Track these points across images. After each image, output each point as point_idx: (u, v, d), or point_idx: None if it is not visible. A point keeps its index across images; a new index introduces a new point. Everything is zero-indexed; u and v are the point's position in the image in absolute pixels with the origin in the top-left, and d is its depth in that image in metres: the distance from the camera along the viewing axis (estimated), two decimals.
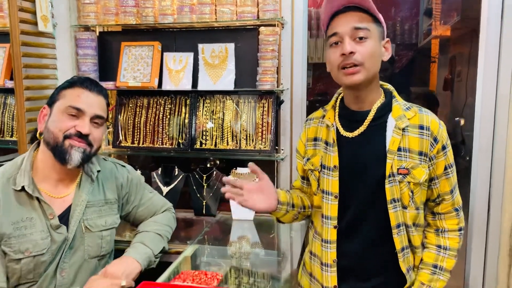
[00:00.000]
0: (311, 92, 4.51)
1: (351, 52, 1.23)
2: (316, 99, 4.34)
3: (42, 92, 2.21)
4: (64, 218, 1.45)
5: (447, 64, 4.16)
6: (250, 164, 1.39)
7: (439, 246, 1.39)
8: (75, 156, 1.41)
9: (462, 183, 2.16)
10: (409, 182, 1.30)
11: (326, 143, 1.39)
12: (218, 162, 2.51)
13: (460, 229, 1.40)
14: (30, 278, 1.40)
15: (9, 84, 2.29)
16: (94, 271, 1.51)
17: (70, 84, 1.49)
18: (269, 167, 2.25)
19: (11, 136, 2.42)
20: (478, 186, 2.05)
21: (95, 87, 1.49)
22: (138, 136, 2.31)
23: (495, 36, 1.96)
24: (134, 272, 1.47)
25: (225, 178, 1.38)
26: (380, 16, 1.28)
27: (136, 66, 2.25)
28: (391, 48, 1.32)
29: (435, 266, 1.37)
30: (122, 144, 2.31)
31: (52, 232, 1.41)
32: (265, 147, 2.19)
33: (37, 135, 1.49)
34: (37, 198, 1.41)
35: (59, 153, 1.41)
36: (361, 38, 1.24)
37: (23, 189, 1.40)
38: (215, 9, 2.16)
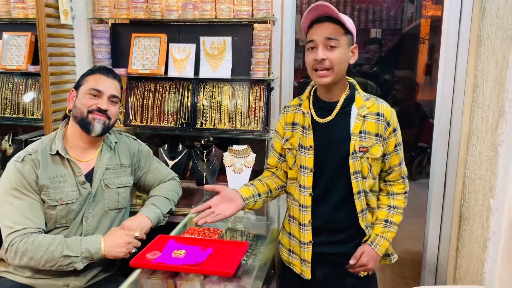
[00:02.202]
0: (301, 73, 4.75)
1: (323, 59, 1.51)
2: (306, 81, 4.60)
3: (63, 77, 2.50)
4: (89, 177, 1.82)
5: (428, 50, 4.44)
6: (206, 186, 1.70)
7: (390, 206, 1.71)
8: (97, 127, 1.78)
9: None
10: (368, 158, 1.60)
11: (303, 127, 1.65)
12: (212, 139, 2.78)
13: (405, 192, 1.73)
14: (63, 223, 1.75)
15: (32, 68, 2.56)
16: (113, 221, 1.88)
17: (91, 71, 1.85)
18: (260, 144, 2.56)
19: (32, 114, 2.72)
20: (437, 163, 2.37)
21: (110, 73, 1.85)
22: (146, 116, 2.60)
23: (454, 31, 2.23)
24: (146, 227, 1.82)
25: (192, 210, 1.63)
26: (351, 27, 1.55)
27: (145, 55, 2.52)
28: (357, 53, 1.58)
29: (387, 221, 1.68)
30: (132, 123, 2.61)
31: (79, 186, 1.78)
32: (257, 127, 2.49)
33: (67, 112, 1.85)
34: (68, 160, 1.77)
35: (85, 124, 1.77)
36: (332, 47, 1.51)
37: (57, 153, 1.76)
38: (215, 7, 2.41)
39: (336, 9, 1.50)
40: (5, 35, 2.64)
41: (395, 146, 1.65)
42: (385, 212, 1.71)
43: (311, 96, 1.69)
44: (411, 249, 2.82)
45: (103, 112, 1.79)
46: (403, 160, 1.71)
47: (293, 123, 1.70)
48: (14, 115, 2.72)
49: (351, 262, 1.66)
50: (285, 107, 1.77)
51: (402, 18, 4.80)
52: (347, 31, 1.54)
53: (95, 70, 1.85)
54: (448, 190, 2.38)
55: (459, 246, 2.32)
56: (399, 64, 4.62)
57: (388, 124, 1.62)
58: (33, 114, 2.71)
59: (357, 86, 1.67)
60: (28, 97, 2.71)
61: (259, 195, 1.72)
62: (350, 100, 1.63)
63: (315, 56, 1.52)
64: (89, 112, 1.77)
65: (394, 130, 1.64)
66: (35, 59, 2.58)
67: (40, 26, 2.24)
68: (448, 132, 2.34)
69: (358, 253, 1.66)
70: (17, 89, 2.74)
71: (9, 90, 2.74)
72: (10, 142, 2.73)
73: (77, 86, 1.83)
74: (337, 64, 1.53)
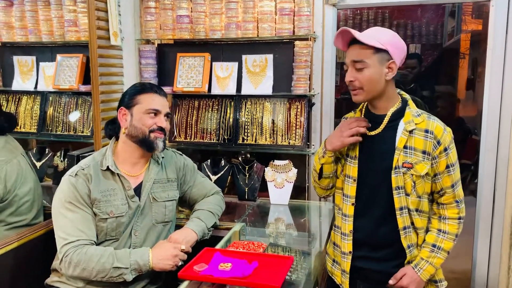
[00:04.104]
0: (339, 90, 4.73)
1: (351, 81, 1.56)
2: (343, 97, 4.58)
3: (111, 96, 2.61)
4: (137, 191, 1.87)
5: (470, 65, 4.35)
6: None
7: (440, 230, 1.64)
8: (160, 145, 1.84)
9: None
10: (412, 174, 1.57)
11: None
12: (249, 155, 2.82)
13: (459, 218, 1.65)
14: (113, 235, 1.80)
15: (83, 88, 2.69)
16: (160, 234, 1.92)
17: (142, 90, 1.86)
18: (301, 160, 2.58)
19: (82, 132, 2.84)
20: (484, 179, 2.32)
21: (161, 91, 1.90)
22: (190, 132, 2.68)
23: (500, 45, 2.21)
24: (192, 240, 1.86)
25: None
26: (383, 44, 1.52)
27: (189, 73, 2.60)
28: (396, 68, 1.56)
29: (434, 246, 1.62)
30: (177, 139, 2.69)
31: (129, 200, 1.83)
32: (298, 143, 2.51)
33: (123, 131, 1.86)
34: (118, 175, 1.83)
35: (148, 143, 1.82)
36: (359, 69, 1.54)
37: (107, 168, 1.82)
38: (257, 26, 2.48)
39: (357, 32, 1.52)
40: (59, 57, 2.79)
41: (447, 167, 1.60)
42: (434, 236, 1.65)
43: (364, 109, 1.72)
44: (457, 268, 2.73)
45: (162, 129, 1.84)
46: (458, 183, 1.64)
47: None
48: (65, 133, 2.86)
49: (391, 282, 1.63)
50: (343, 118, 1.83)
51: (442, 33, 4.75)
52: (378, 50, 1.54)
53: (146, 89, 1.86)
54: (498, 206, 2.32)
55: (511, 266, 2.24)
56: (440, 79, 4.55)
57: (439, 142, 1.58)
58: (82, 132, 2.82)
59: (410, 102, 1.66)
60: (78, 115, 2.84)
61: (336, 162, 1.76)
62: (399, 114, 1.63)
63: (345, 78, 1.59)
64: (151, 131, 1.82)
65: (446, 149, 1.59)
66: (86, 79, 2.71)
67: (92, 47, 2.36)
68: (496, 147, 2.29)
69: (399, 274, 1.63)
70: (68, 108, 2.88)
71: (61, 109, 2.88)
72: (61, 158, 2.86)
73: (128, 105, 1.86)
74: (366, 83, 1.55)
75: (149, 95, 1.85)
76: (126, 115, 1.86)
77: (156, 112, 1.83)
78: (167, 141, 2.65)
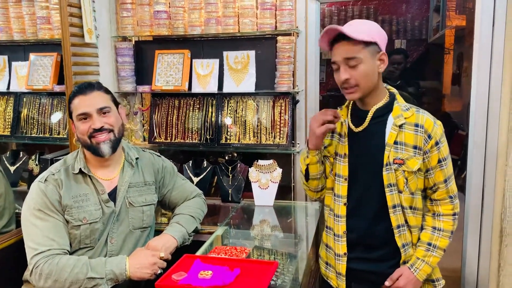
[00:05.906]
0: (325, 87, 4.70)
1: (347, 79, 1.48)
2: (329, 94, 4.54)
3: None
4: (112, 195, 1.78)
5: (455, 60, 4.34)
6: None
7: (434, 228, 1.61)
8: (105, 149, 1.72)
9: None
10: (404, 171, 1.53)
11: (340, 135, 1.65)
12: (235, 154, 2.76)
13: (454, 214, 1.61)
14: (87, 243, 1.71)
15: (57, 88, 2.58)
16: (138, 241, 1.83)
17: (72, 96, 1.75)
18: (287, 159, 2.50)
19: (58, 134, 2.73)
20: (473, 174, 2.26)
21: (86, 89, 1.73)
22: (170, 133, 2.59)
23: (487, 39, 2.15)
24: (172, 246, 1.77)
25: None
26: (372, 37, 1.47)
27: (168, 71, 2.51)
28: (387, 59, 1.52)
29: (429, 244, 1.59)
30: (157, 140, 2.59)
31: (103, 205, 1.74)
32: (282, 141, 2.44)
33: (74, 142, 1.80)
34: (90, 178, 1.74)
35: (93, 150, 1.73)
36: (353, 66, 1.47)
37: (79, 172, 1.73)
38: (238, 21, 2.39)
39: (346, 28, 1.45)
40: (32, 56, 2.67)
41: (439, 161, 1.57)
42: (428, 234, 1.62)
43: (350, 105, 1.67)
44: (447, 266, 2.68)
45: (101, 130, 1.72)
46: (450, 178, 1.60)
47: (332, 131, 1.69)
48: (40, 135, 2.74)
49: (387, 283, 1.60)
50: None
51: (427, 28, 4.73)
52: (367, 43, 1.48)
53: (75, 93, 1.75)
54: (487, 203, 2.27)
55: (501, 263, 2.20)
56: (425, 75, 4.53)
57: (430, 136, 1.54)
58: (59, 134, 2.72)
59: (398, 96, 1.62)
60: (54, 116, 2.73)
61: (322, 163, 1.71)
62: (387, 109, 1.58)
63: (339, 78, 1.51)
64: (90, 137, 1.71)
65: (437, 143, 1.55)
66: (61, 78, 2.60)
67: (65, 45, 2.25)
68: (484, 143, 2.23)
69: (395, 275, 1.60)
70: (44, 109, 2.76)
71: (35, 110, 2.77)
72: (36, 162, 2.75)
73: (71, 116, 1.77)
74: (362, 80, 1.50)
75: (77, 99, 1.72)
76: (74, 126, 1.77)
77: (86, 115, 1.71)
78: (145, 143, 2.58)
